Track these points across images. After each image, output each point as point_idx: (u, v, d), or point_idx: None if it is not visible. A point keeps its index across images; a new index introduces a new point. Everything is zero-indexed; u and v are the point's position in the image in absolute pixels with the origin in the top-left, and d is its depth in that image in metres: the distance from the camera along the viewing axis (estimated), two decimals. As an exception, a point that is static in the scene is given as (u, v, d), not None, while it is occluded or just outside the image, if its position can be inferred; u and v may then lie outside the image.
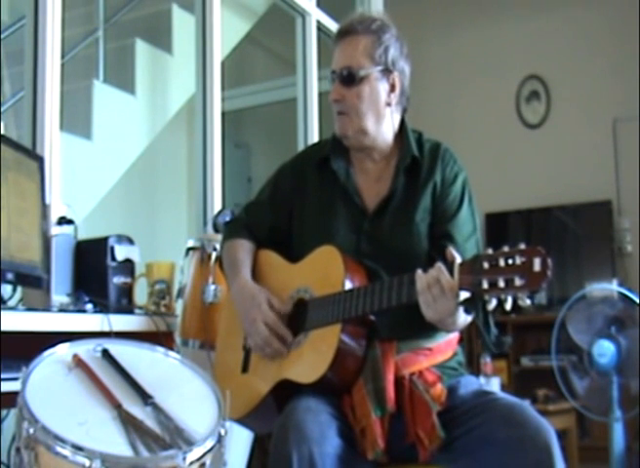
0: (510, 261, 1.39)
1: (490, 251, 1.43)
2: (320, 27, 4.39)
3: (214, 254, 2.38)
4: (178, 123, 4.43)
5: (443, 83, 5.85)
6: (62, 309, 2.16)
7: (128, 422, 1.36)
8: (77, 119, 3.59)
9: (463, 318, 1.58)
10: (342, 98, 1.80)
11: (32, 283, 2.17)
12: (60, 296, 2.27)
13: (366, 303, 1.63)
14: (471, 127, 5.74)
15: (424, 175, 1.82)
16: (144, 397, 1.44)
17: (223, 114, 3.52)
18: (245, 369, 1.86)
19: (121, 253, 2.38)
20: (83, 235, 2.45)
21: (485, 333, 1.67)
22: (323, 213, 1.85)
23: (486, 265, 1.41)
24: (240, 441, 2.59)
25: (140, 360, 1.59)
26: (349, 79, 1.79)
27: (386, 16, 1.89)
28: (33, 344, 1.59)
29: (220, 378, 1.87)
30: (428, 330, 1.66)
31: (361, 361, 1.67)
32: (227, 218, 2.62)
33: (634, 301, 3.43)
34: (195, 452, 1.34)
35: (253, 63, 5.97)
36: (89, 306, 2.19)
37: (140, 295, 2.48)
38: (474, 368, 3.91)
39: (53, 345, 1.51)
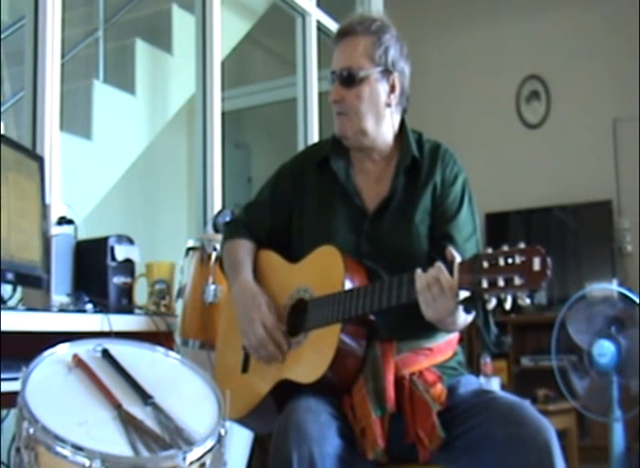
0: (510, 261, 1.39)
1: (489, 250, 1.43)
2: (320, 27, 4.39)
3: (214, 254, 2.38)
4: (178, 123, 4.43)
5: (443, 83, 5.85)
6: (62, 309, 2.16)
7: (128, 422, 1.36)
8: (77, 119, 3.59)
9: (463, 318, 1.58)
10: (342, 99, 1.80)
11: (32, 283, 2.17)
12: (59, 296, 2.27)
13: (366, 303, 1.63)
14: (471, 127, 5.74)
15: (424, 175, 1.82)
16: (144, 397, 1.44)
17: (223, 114, 3.52)
18: (245, 369, 1.86)
19: (121, 253, 2.38)
20: (83, 235, 2.45)
21: (485, 333, 1.67)
22: (323, 213, 1.85)
23: (485, 264, 1.41)
24: (240, 441, 2.59)
25: (140, 360, 1.59)
26: (349, 80, 1.79)
27: (386, 16, 1.88)
28: (33, 344, 1.59)
29: (220, 378, 1.87)
30: (428, 329, 1.66)
31: (361, 361, 1.67)
32: (227, 218, 2.62)
33: (634, 301, 3.43)
34: (195, 452, 1.34)
35: (253, 63, 5.97)
36: (89, 306, 2.19)
37: (140, 295, 2.48)
38: (474, 368, 3.91)
39: (53, 345, 1.51)
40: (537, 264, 1.36)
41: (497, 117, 5.75)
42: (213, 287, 2.35)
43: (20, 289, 2.23)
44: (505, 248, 1.41)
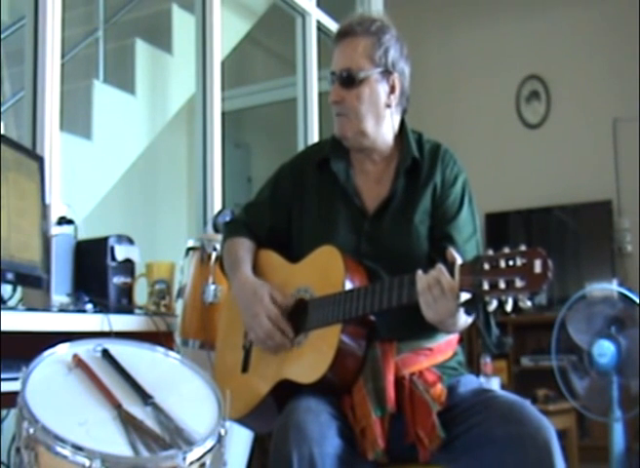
0: (511, 263, 1.39)
1: (490, 252, 1.43)
2: (320, 27, 4.39)
3: (214, 254, 2.38)
4: (178, 123, 4.43)
5: (443, 83, 5.85)
6: (62, 309, 2.16)
7: (128, 422, 1.36)
8: (77, 119, 3.59)
9: (464, 319, 1.58)
10: (342, 100, 1.80)
11: (32, 283, 2.17)
12: (60, 296, 2.27)
13: (366, 304, 1.63)
14: (471, 127, 5.73)
15: (424, 176, 1.82)
16: (144, 397, 1.44)
17: (223, 114, 3.52)
18: (245, 368, 1.86)
19: (121, 253, 2.38)
20: (83, 235, 2.45)
21: (486, 334, 1.67)
22: (323, 213, 1.85)
23: (487, 266, 1.41)
24: (240, 441, 2.59)
25: (141, 360, 1.59)
26: (349, 81, 1.79)
27: (386, 16, 1.88)
28: (33, 344, 1.59)
29: (220, 378, 1.87)
30: (429, 330, 1.65)
31: (361, 361, 1.67)
32: (227, 218, 2.62)
33: (634, 301, 3.43)
34: (195, 452, 1.34)
35: (253, 63, 5.97)
36: (89, 306, 2.19)
37: (140, 295, 2.48)
38: (474, 368, 3.91)
39: (53, 345, 1.51)
40: (538, 267, 1.36)
41: (497, 117, 5.75)
42: (213, 287, 2.35)
43: (20, 289, 2.23)
44: (506, 250, 1.41)
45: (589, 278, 4.55)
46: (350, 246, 1.78)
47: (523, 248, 1.39)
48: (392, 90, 1.82)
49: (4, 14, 3.45)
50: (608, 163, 5.31)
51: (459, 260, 1.48)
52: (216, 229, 2.64)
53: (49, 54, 2.61)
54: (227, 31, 3.88)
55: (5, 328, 1.79)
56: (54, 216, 2.41)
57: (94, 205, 3.60)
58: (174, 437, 1.35)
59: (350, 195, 1.84)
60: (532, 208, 5.53)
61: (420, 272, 1.52)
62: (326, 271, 1.74)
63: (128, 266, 2.42)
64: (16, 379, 1.40)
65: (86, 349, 1.55)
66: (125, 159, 3.93)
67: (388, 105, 1.82)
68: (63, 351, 1.52)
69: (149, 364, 1.60)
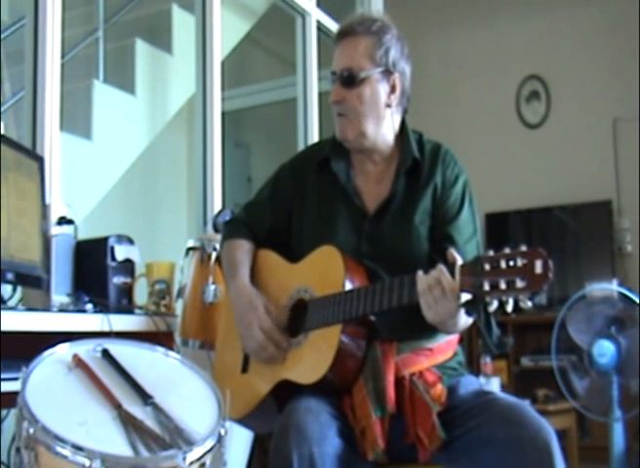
0: (512, 263, 1.38)
1: (491, 252, 1.43)
2: (320, 27, 4.39)
3: (214, 254, 2.38)
4: (178, 123, 4.43)
5: (443, 83, 5.85)
6: (62, 309, 2.16)
7: (128, 422, 1.36)
8: (77, 119, 3.58)
9: (464, 320, 1.58)
10: (343, 100, 1.80)
11: (32, 283, 2.17)
12: (60, 296, 2.27)
13: (366, 304, 1.63)
14: (471, 127, 5.73)
15: (425, 176, 1.82)
16: (144, 397, 1.44)
17: (223, 114, 3.52)
18: (245, 369, 1.86)
19: (121, 253, 2.38)
20: (83, 235, 2.45)
21: (487, 335, 1.67)
22: (323, 213, 1.85)
23: (487, 267, 1.41)
24: (240, 441, 2.59)
25: (141, 360, 1.59)
26: (350, 80, 1.79)
27: (387, 16, 1.88)
28: (33, 344, 1.59)
29: (220, 378, 1.87)
30: (429, 330, 1.65)
31: (361, 361, 1.67)
32: (227, 218, 2.62)
33: (634, 301, 3.43)
34: (195, 452, 1.34)
35: (253, 63, 5.97)
36: (89, 306, 2.19)
37: (140, 295, 2.48)
38: (474, 368, 3.91)
39: (53, 345, 1.51)
40: (538, 267, 1.36)
41: (497, 117, 5.75)
42: (213, 287, 2.35)
43: (20, 289, 2.23)
44: (507, 250, 1.41)
45: (589, 278, 4.55)
46: (350, 246, 1.77)
47: (524, 248, 1.39)
48: (393, 90, 1.81)
49: (4, 14, 3.45)
50: (608, 163, 5.31)
51: (459, 261, 1.48)
52: (216, 229, 2.64)
53: (49, 54, 2.61)
54: (227, 31, 3.88)
55: (5, 328, 1.78)
56: (54, 216, 2.41)
57: (94, 205, 3.60)
58: (174, 437, 1.35)
59: (351, 195, 1.83)
60: (532, 208, 5.53)
61: (420, 272, 1.52)
62: (326, 271, 1.74)
63: (128, 266, 2.42)
64: (16, 379, 1.40)
65: (86, 349, 1.55)
66: (125, 159, 3.93)
67: (389, 105, 1.82)
68: (63, 351, 1.52)
69: (149, 364, 1.60)
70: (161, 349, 1.65)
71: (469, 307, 1.49)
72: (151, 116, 4.14)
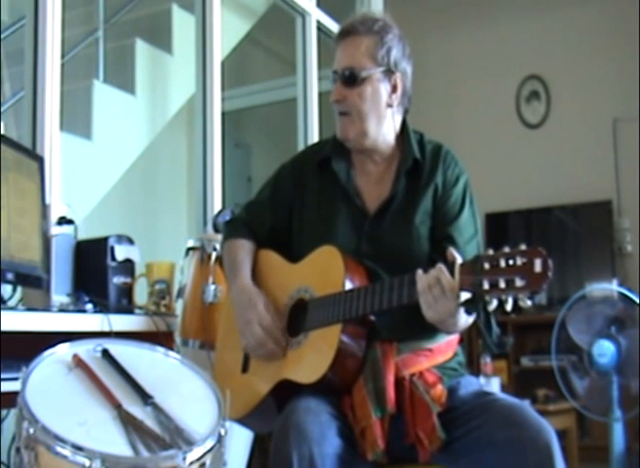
0: (511, 262, 1.38)
1: (491, 251, 1.43)
2: (320, 27, 4.39)
3: (214, 254, 2.38)
4: (178, 123, 4.43)
5: (443, 83, 5.85)
6: (62, 309, 2.16)
7: (128, 422, 1.36)
8: (77, 119, 3.59)
9: (464, 319, 1.58)
10: (344, 99, 1.80)
11: (32, 283, 2.17)
12: (59, 296, 2.27)
13: (366, 304, 1.63)
14: (471, 127, 5.73)
15: (426, 177, 1.82)
16: (144, 397, 1.44)
17: (223, 114, 3.52)
18: (245, 368, 1.86)
19: (121, 253, 2.38)
20: (83, 235, 2.45)
21: (487, 334, 1.67)
22: (324, 213, 1.85)
23: (487, 266, 1.41)
24: (240, 441, 2.59)
25: (140, 360, 1.59)
26: (351, 80, 1.79)
27: (389, 16, 1.88)
28: (33, 344, 1.59)
29: (220, 378, 1.87)
30: (429, 330, 1.65)
31: (361, 361, 1.67)
32: (227, 218, 2.62)
33: (634, 301, 3.43)
34: (195, 452, 1.34)
35: (253, 63, 5.96)
36: (89, 306, 2.19)
37: (140, 295, 2.48)
38: (474, 368, 3.90)
39: (53, 345, 1.51)
40: (538, 266, 1.36)
41: (497, 117, 5.75)
42: (213, 287, 2.35)
43: (20, 289, 2.23)
44: (507, 249, 1.41)
45: (589, 278, 4.55)
46: (351, 246, 1.77)
47: (523, 247, 1.39)
48: (394, 89, 1.81)
49: (4, 14, 3.45)
50: (608, 163, 5.31)
51: (459, 260, 1.48)
52: (216, 229, 2.64)
53: (49, 54, 2.61)
54: (227, 31, 3.88)
55: (5, 328, 1.78)
56: (54, 216, 2.41)
57: (94, 205, 3.60)
58: (174, 437, 1.35)
59: (351, 195, 1.83)
60: (532, 208, 5.53)
61: (420, 272, 1.52)
62: (326, 271, 1.74)
63: (128, 266, 2.42)
64: (16, 379, 1.40)
65: (86, 349, 1.55)
66: (125, 159, 3.93)
67: (390, 105, 1.82)
68: (63, 351, 1.52)
69: (149, 364, 1.60)
70: (161, 349, 1.65)
71: (469, 306, 1.49)
72: (151, 116, 4.14)
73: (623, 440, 3.52)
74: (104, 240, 2.37)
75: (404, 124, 1.88)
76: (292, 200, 1.92)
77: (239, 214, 2.07)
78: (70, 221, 2.42)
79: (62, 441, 1.27)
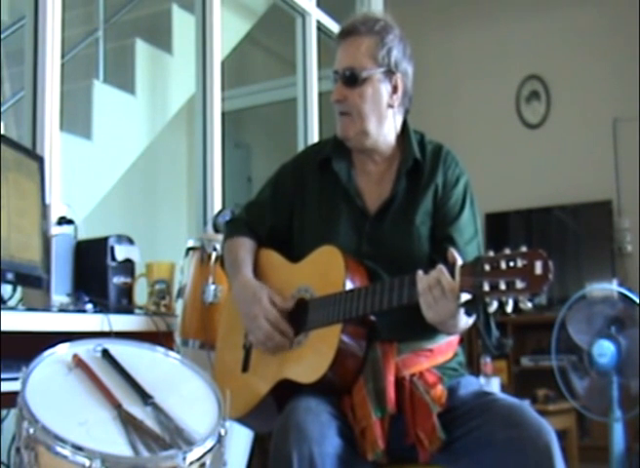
0: (512, 264, 1.38)
1: (491, 253, 1.43)
2: (320, 27, 4.39)
3: (214, 254, 2.38)
4: (178, 123, 4.43)
5: (443, 83, 5.85)
6: (62, 309, 2.16)
7: (128, 422, 1.36)
8: (77, 119, 3.59)
9: (465, 321, 1.58)
10: (344, 99, 1.80)
11: (32, 283, 2.17)
12: (59, 296, 2.27)
13: (367, 304, 1.63)
14: (471, 127, 5.73)
15: (426, 177, 1.82)
16: (144, 397, 1.44)
17: (223, 114, 3.52)
18: (245, 368, 1.86)
19: (121, 253, 2.38)
20: (83, 235, 2.45)
21: (486, 336, 1.67)
22: (324, 213, 1.85)
23: (487, 267, 1.41)
24: (240, 441, 2.59)
25: (140, 360, 1.59)
26: (352, 80, 1.79)
27: (390, 16, 1.88)
28: (33, 344, 1.59)
29: (220, 378, 1.87)
30: (429, 331, 1.65)
31: (361, 361, 1.67)
32: (227, 218, 2.62)
33: (634, 301, 3.43)
34: (195, 452, 1.34)
35: (253, 63, 5.96)
36: (89, 306, 2.19)
37: (140, 295, 2.48)
38: (474, 368, 3.91)
39: (53, 345, 1.51)
40: (538, 268, 1.36)
41: (497, 117, 5.75)
42: (213, 287, 2.35)
43: (20, 289, 2.23)
44: (507, 251, 1.41)
45: (589, 278, 4.55)
46: (351, 246, 1.77)
47: (524, 249, 1.39)
48: (395, 90, 1.81)
49: (4, 14, 3.45)
50: (608, 163, 5.31)
51: (459, 261, 1.48)
52: (216, 229, 2.64)
53: (49, 54, 2.61)
54: (227, 31, 3.88)
55: (5, 328, 1.78)
56: (54, 216, 2.41)
57: (94, 205, 3.60)
58: (174, 437, 1.35)
59: (352, 196, 1.83)
60: (532, 208, 5.53)
61: (420, 272, 1.52)
62: (326, 271, 1.74)
63: (128, 266, 2.42)
64: (16, 379, 1.40)
65: (86, 349, 1.55)
66: (125, 159, 3.93)
67: (391, 105, 1.82)
68: (63, 351, 1.52)
69: (149, 364, 1.60)
70: (161, 349, 1.65)
71: (469, 307, 1.49)
72: (151, 116, 4.14)
73: (623, 440, 3.51)
74: (104, 240, 2.37)
75: (405, 124, 1.88)
76: (292, 200, 1.92)
77: (240, 213, 2.07)
78: (70, 221, 2.42)
79: (62, 441, 1.27)
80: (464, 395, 1.70)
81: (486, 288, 1.40)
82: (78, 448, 1.27)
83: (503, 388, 3.90)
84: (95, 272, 2.36)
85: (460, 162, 1.86)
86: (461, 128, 5.68)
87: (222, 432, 1.42)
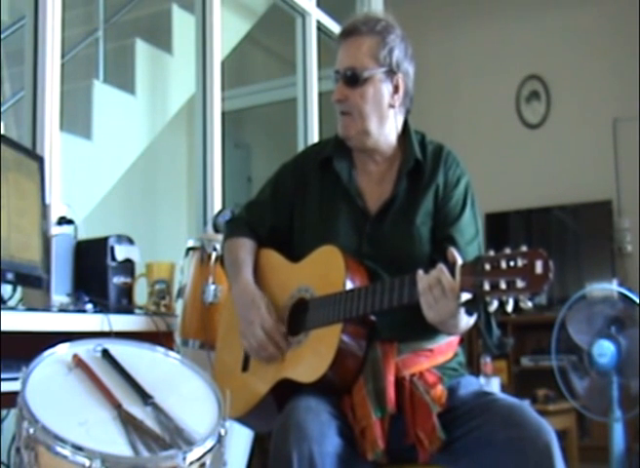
0: (512, 263, 1.38)
1: (492, 252, 1.43)
2: (320, 27, 4.39)
3: (214, 254, 2.38)
4: (178, 123, 4.43)
5: (443, 83, 5.85)
6: (62, 309, 2.16)
7: (128, 422, 1.36)
8: (77, 119, 3.59)
9: (465, 321, 1.58)
10: (346, 99, 1.80)
11: (32, 283, 2.17)
12: (60, 296, 2.27)
13: (367, 303, 1.63)
14: (471, 127, 5.74)
15: (427, 177, 1.82)
16: (144, 397, 1.44)
17: (223, 114, 3.52)
18: (245, 368, 1.86)
19: (121, 253, 2.38)
20: (83, 235, 2.45)
21: (487, 335, 1.67)
22: (325, 213, 1.85)
23: (487, 267, 1.41)
24: (240, 440, 2.59)
25: (140, 360, 1.59)
26: (353, 80, 1.78)
27: (391, 16, 1.87)
28: (33, 344, 1.59)
29: (220, 377, 1.87)
30: (429, 331, 1.65)
31: (361, 361, 1.67)
32: (227, 218, 2.62)
33: (634, 301, 3.43)
34: (195, 452, 1.34)
35: (253, 63, 5.97)
36: (89, 306, 2.19)
37: (140, 295, 2.48)
38: (474, 368, 3.90)
39: (53, 345, 1.51)
40: (539, 267, 1.35)
41: (497, 117, 5.76)
42: (213, 287, 2.35)
43: (20, 289, 2.23)
44: (508, 250, 1.41)
45: (589, 278, 4.56)
46: (351, 246, 1.77)
47: (524, 248, 1.39)
48: (396, 90, 1.81)
49: (4, 14, 3.45)
50: (608, 163, 5.31)
51: (459, 261, 1.48)
52: (216, 229, 2.64)
53: (49, 54, 2.61)
54: (227, 31, 3.88)
55: (5, 328, 1.78)
56: (54, 216, 2.41)
57: (94, 205, 3.60)
58: (174, 437, 1.35)
59: (353, 196, 1.83)
60: (532, 208, 5.54)
61: (420, 272, 1.52)
62: (327, 271, 1.74)
63: (128, 266, 2.42)
64: (16, 379, 1.40)
65: (86, 349, 1.55)
66: (125, 159, 3.93)
67: (392, 106, 1.82)
68: (63, 351, 1.52)
69: (149, 364, 1.60)
70: (161, 349, 1.65)
71: (469, 307, 1.49)
72: (151, 116, 4.14)
73: (623, 440, 3.52)
74: (104, 240, 2.37)
75: (406, 124, 1.88)
76: (293, 199, 1.92)
77: (240, 213, 2.07)
78: (70, 221, 2.42)
79: (62, 441, 1.27)
80: (464, 395, 1.70)
81: (486, 287, 1.40)
82: (78, 448, 1.27)
83: (503, 388, 3.90)
84: (95, 272, 2.36)
85: (460, 162, 1.86)
86: (461, 128, 5.68)
87: (222, 432, 1.42)
